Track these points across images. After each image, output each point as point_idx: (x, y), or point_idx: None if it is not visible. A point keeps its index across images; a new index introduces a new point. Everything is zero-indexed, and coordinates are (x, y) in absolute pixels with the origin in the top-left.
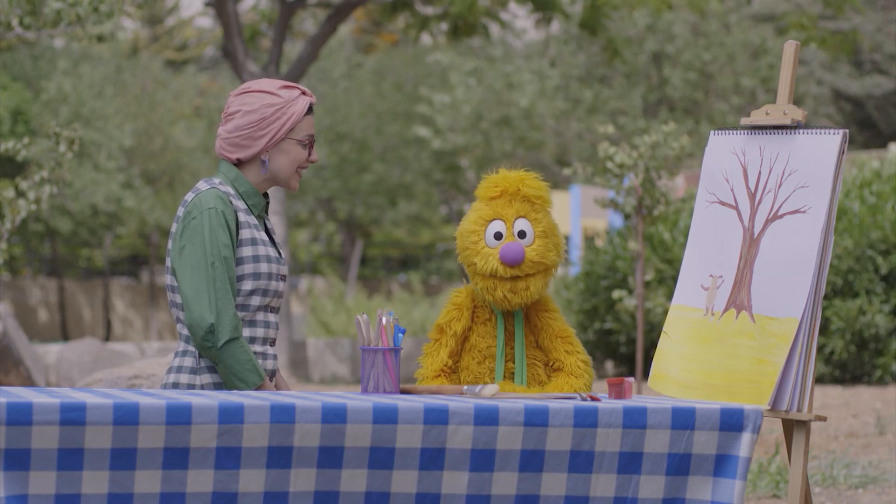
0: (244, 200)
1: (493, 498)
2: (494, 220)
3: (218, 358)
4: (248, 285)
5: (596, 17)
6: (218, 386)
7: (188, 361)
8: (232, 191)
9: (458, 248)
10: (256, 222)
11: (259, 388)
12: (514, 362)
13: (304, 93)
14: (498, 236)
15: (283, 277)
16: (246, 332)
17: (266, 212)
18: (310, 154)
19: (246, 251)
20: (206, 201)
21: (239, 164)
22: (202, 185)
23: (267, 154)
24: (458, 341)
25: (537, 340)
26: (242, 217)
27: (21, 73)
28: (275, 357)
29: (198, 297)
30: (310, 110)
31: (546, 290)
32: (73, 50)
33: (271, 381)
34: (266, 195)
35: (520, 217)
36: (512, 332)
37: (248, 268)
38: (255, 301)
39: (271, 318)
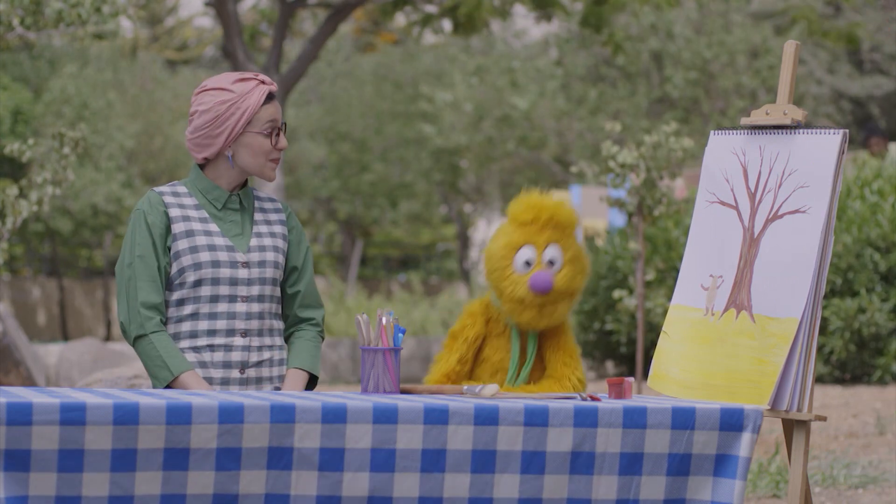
0: (203, 196)
1: (495, 501)
2: (525, 245)
3: (136, 352)
4: (191, 276)
5: (598, 15)
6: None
7: None
8: (184, 189)
9: (486, 269)
10: (207, 216)
11: (173, 383)
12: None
13: (262, 82)
14: (528, 264)
15: (244, 265)
16: (204, 325)
17: (245, 202)
18: (276, 142)
19: (182, 244)
20: (136, 206)
21: (207, 161)
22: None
23: (230, 149)
24: (471, 347)
25: (544, 353)
26: (178, 212)
27: (21, 74)
28: (257, 349)
29: (118, 296)
30: (270, 98)
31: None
32: (74, 51)
33: (242, 372)
34: (245, 183)
35: (551, 244)
36: (524, 347)
37: (186, 259)
38: (206, 291)
39: (239, 308)
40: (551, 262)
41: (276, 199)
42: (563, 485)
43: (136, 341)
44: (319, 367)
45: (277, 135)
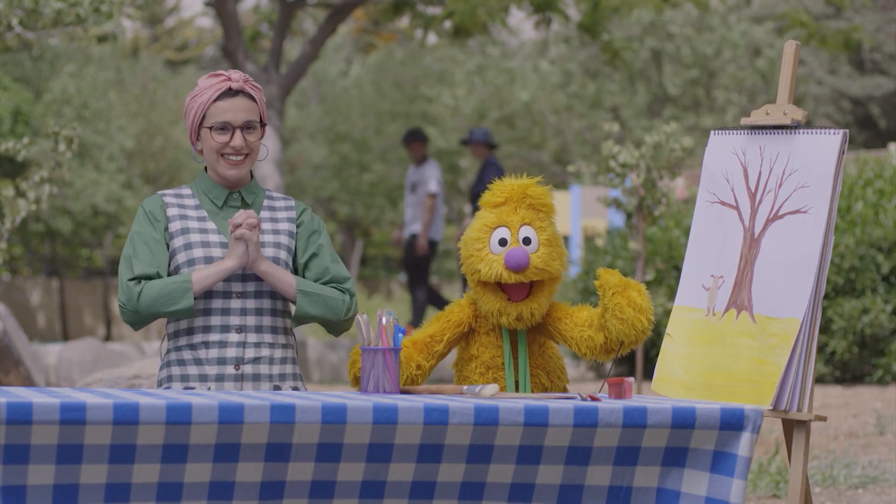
0: (206, 195)
1: (487, 485)
2: (499, 226)
3: (144, 311)
4: (186, 272)
5: (596, 19)
6: (172, 378)
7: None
8: (189, 192)
9: (462, 256)
10: (206, 215)
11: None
12: (517, 372)
13: (228, 79)
14: (503, 243)
15: None
16: (199, 321)
17: (249, 199)
18: (231, 139)
19: (177, 242)
20: (140, 206)
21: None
22: None
23: (199, 145)
24: (450, 328)
25: (565, 340)
26: (176, 211)
27: (22, 75)
28: (253, 346)
29: (118, 287)
30: (229, 95)
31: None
32: (74, 51)
33: (238, 368)
34: (249, 181)
35: (525, 224)
36: (514, 343)
37: (181, 257)
38: None
39: (234, 304)
40: (527, 241)
41: (292, 198)
42: (557, 473)
43: (139, 296)
44: (314, 300)
45: (232, 133)
